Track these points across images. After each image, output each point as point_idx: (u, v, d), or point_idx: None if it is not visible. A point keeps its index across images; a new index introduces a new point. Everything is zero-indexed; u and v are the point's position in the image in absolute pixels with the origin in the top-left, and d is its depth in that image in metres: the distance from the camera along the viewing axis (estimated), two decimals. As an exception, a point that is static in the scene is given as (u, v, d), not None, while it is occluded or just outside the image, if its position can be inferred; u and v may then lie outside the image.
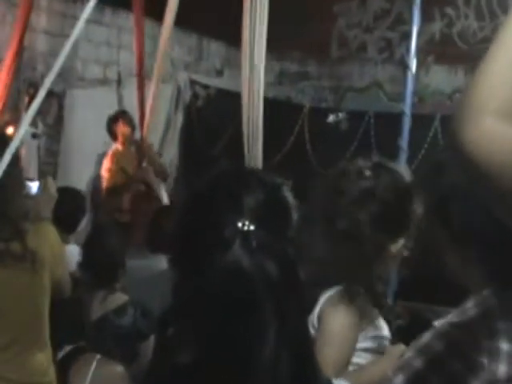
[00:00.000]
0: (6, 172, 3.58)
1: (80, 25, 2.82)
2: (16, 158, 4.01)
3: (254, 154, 6.38)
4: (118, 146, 9.32)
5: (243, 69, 6.57)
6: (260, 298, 1.60)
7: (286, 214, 1.70)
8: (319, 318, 3.00)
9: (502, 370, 2.05)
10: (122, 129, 9.28)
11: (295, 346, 1.66)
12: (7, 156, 2.86)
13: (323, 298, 3.01)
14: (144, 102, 9.15)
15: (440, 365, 2.09)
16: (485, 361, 2.05)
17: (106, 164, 9.33)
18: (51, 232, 4.10)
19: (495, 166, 1.26)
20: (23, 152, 8.49)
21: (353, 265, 2.99)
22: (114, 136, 9.40)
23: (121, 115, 9.40)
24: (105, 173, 9.32)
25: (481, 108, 1.32)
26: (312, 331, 2.95)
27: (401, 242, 3.07)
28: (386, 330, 3.13)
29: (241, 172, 1.85)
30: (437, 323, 2.24)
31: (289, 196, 1.72)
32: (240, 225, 1.62)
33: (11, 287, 3.86)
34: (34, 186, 5.13)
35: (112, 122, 9.39)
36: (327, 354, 2.85)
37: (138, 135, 9.42)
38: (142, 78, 9.20)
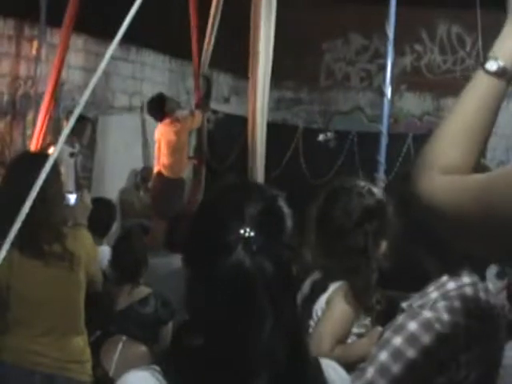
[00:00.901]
0: (49, 185, 3.58)
1: (105, 60, 2.78)
2: (57, 173, 4.02)
3: (257, 168, 6.35)
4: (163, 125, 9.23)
5: (250, 97, 6.54)
6: (259, 293, 1.60)
7: (282, 221, 1.68)
8: (327, 303, 3.05)
9: (462, 339, 2.14)
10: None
11: (288, 333, 1.66)
12: (47, 169, 2.83)
13: (332, 288, 3.06)
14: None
15: (414, 340, 2.13)
16: (448, 332, 2.12)
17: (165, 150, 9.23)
18: (86, 236, 4.11)
19: (440, 206, 1.39)
20: (62, 168, 8.48)
21: (356, 264, 3.03)
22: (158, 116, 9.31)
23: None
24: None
25: (431, 165, 1.44)
26: (319, 313, 3.05)
27: (384, 243, 3.11)
28: (368, 319, 3.17)
29: (243, 185, 1.84)
30: (404, 305, 2.27)
31: (284, 206, 1.71)
32: (242, 231, 1.61)
33: (53, 282, 3.88)
34: (72, 198, 5.11)
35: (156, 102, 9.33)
36: (328, 329, 2.96)
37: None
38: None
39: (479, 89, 1.49)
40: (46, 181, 3.13)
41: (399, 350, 2.15)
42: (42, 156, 4.22)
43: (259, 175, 6.31)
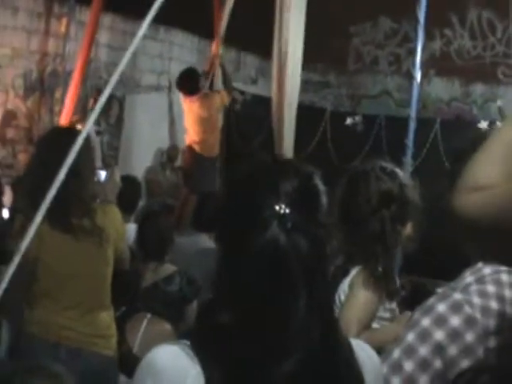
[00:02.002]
0: (81, 160, 3.60)
1: (137, 40, 2.78)
2: (89, 149, 4.04)
3: (284, 151, 6.34)
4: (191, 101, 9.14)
5: (273, 77, 6.52)
6: (293, 270, 1.59)
7: (317, 199, 1.68)
8: (350, 287, 3.06)
9: (492, 324, 2.08)
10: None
11: (322, 311, 1.66)
12: (79, 142, 2.85)
13: (354, 271, 3.05)
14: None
15: (442, 321, 2.10)
16: (478, 316, 2.07)
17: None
18: (116, 213, 4.13)
19: (476, 220, 1.45)
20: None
21: (376, 251, 3.02)
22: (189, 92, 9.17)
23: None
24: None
25: (469, 184, 1.50)
26: (342, 298, 3.05)
27: (409, 225, 3.09)
28: (394, 303, 3.16)
29: (278, 162, 1.83)
30: (440, 290, 2.26)
31: (319, 184, 1.70)
32: (277, 208, 1.60)
33: (81, 257, 3.89)
34: (102, 174, 5.13)
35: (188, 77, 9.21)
36: (353, 316, 2.95)
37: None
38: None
39: None
40: (78, 156, 3.15)
41: (427, 331, 2.14)
42: (71, 131, 4.24)
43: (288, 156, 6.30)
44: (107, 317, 4.04)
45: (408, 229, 3.10)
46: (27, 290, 3.89)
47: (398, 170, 3.18)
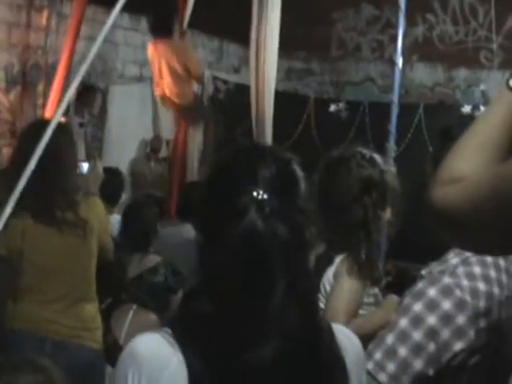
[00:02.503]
0: (64, 153, 3.59)
1: (106, 28, 2.77)
2: (71, 141, 4.02)
3: (264, 138, 6.33)
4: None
5: (251, 65, 6.49)
6: (271, 256, 1.59)
7: (295, 184, 1.68)
8: (334, 276, 3.05)
9: (481, 305, 2.12)
10: None
11: (301, 298, 1.65)
12: (48, 134, 2.82)
13: (338, 260, 3.05)
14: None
15: (434, 306, 2.14)
16: (468, 299, 2.11)
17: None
18: (99, 205, 4.13)
19: (451, 213, 1.43)
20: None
21: (357, 236, 3.01)
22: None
23: None
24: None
25: (444, 178, 1.48)
26: (328, 287, 3.04)
27: (388, 210, 3.10)
28: (376, 288, 3.17)
29: (256, 148, 1.83)
30: (424, 272, 2.27)
31: (298, 169, 1.70)
32: (255, 194, 1.60)
33: (65, 249, 3.89)
34: (84, 166, 5.11)
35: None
36: (340, 306, 2.94)
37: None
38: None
39: (500, 105, 1.49)
40: (60, 148, 3.13)
41: (419, 316, 2.15)
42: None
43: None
44: (92, 309, 4.04)
45: (388, 214, 3.11)
46: (11, 284, 3.87)
47: (376, 156, 3.17)
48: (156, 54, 8.68)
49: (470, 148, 1.47)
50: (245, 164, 1.67)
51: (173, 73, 8.64)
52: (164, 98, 8.91)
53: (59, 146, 3.77)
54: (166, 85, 8.69)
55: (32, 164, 2.71)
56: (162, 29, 8.61)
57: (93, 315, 4.04)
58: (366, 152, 3.12)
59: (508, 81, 1.48)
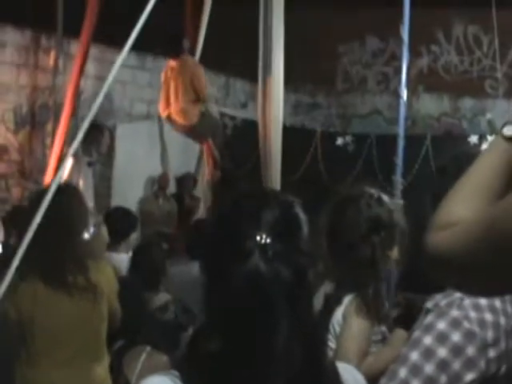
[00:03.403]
0: (74, 216, 3.60)
1: (116, 68, 2.80)
2: (82, 205, 4.02)
3: (272, 174, 6.34)
4: None
5: (259, 101, 6.54)
6: (275, 298, 1.61)
7: (298, 227, 1.70)
8: (344, 317, 3.06)
9: (489, 335, 2.12)
10: None
11: (305, 338, 1.67)
12: (48, 197, 2.82)
13: (346, 300, 3.06)
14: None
15: (444, 338, 2.14)
16: (476, 330, 2.12)
17: None
18: (109, 269, 4.11)
19: (446, 257, 1.45)
20: (81, 180, 8.54)
21: (365, 276, 3.03)
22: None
23: None
24: None
25: (438, 223, 1.50)
26: (337, 328, 3.05)
27: (396, 248, 3.11)
28: (383, 326, 3.18)
29: (259, 192, 1.87)
30: (429, 305, 2.29)
31: (300, 212, 1.72)
32: (258, 238, 1.62)
33: (77, 314, 3.85)
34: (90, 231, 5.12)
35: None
36: (351, 346, 2.96)
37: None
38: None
39: (494, 153, 1.52)
40: (70, 212, 3.13)
41: (430, 349, 2.17)
42: (59, 188, 4.21)
43: (275, 181, 6.31)
44: (102, 371, 3.97)
45: (395, 252, 3.13)
46: (22, 350, 3.85)
47: (384, 196, 3.20)
48: (168, 76, 8.80)
49: (465, 192, 1.50)
50: (248, 208, 1.70)
51: (182, 91, 8.75)
52: (170, 119, 9.00)
53: (70, 210, 3.79)
54: (173, 105, 8.79)
55: (33, 226, 2.71)
56: (174, 48, 8.81)
57: (103, 377, 4.01)
58: (374, 191, 3.15)
59: (502, 128, 1.51)
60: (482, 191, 1.48)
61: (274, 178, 6.34)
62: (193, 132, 9.16)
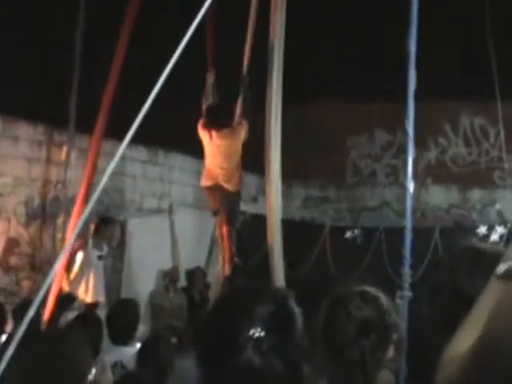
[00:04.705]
0: (78, 360, 3.61)
1: (115, 159, 2.85)
2: (86, 349, 4.01)
3: (275, 268, 6.39)
4: None
5: (267, 196, 6.64)
6: None
7: (292, 322, 1.73)
8: None
9: None
10: None
11: None
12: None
13: None
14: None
15: None
16: None
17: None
18: None
19: None
20: (91, 275, 8.58)
21: (356, 377, 3.02)
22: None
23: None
24: None
25: (443, 361, 1.49)
26: None
27: (391, 348, 3.09)
28: None
29: (255, 287, 1.89)
30: None
31: (295, 307, 1.75)
32: (252, 332, 1.65)
33: None
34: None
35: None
36: None
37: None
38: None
39: (489, 292, 1.53)
40: (74, 356, 3.16)
41: None
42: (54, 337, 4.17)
43: (278, 275, 6.35)
44: None
45: (390, 352, 3.10)
46: None
47: (380, 295, 3.18)
48: (211, 141, 8.76)
49: (465, 330, 1.53)
50: (244, 302, 1.74)
51: (228, 159, 8.74)
52: (215, 187, 8.88)
53: (74, 354, 3.79)
54: (220, 172, 8.75)
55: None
56: (217, 120, 8.73)
57: None
58: (370, 291, 3.14)
59: (497, 268, 1.53)
60: (477, 328, 1.52)
61: (277, 272, 6.38)
62: (228, 203, 9.05)
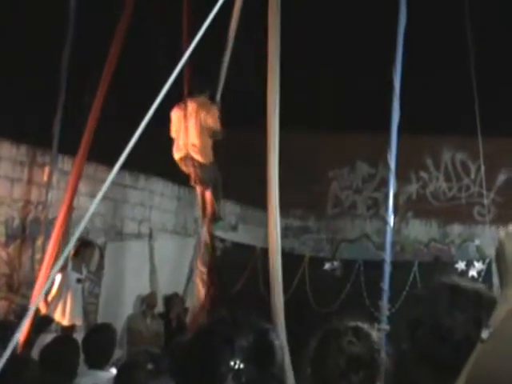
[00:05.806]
0: None
1: (106, 184, 2.85)
2: None
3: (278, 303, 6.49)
4: None
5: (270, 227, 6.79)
6: None
7: (271, 353, 1.74)
8: None
9: None
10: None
11: None
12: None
13: None
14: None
15: None
16: None
17: None
18: None
19: None
20: (69, 298, 8.54)
21: None
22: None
23: None
24: None
25: None
26: None
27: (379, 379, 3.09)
28: None
29: (235, 318, 1.90)
30: None
31: (275, 338, 1.76)
32: (232, 363, 1.66)
33: None
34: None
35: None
36: None
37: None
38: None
39: (475, 354, 1.56)
40: None
41: None
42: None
43: (278, 304, 6.44)
44: None
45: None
46: None
47: (371, 332, 3.18)
48: (184, 113, 9.09)
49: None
50: (224, 335, 1.75)
51: (199, 128, 9.08)
52: (186, 158, 9.08)
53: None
54: (190, 143, 8.95)
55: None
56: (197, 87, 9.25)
57: None
58: (363, 327, 3.14)
59: (481, 333, 1.56)
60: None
61: (278, 303, 6.47)
62: (202, 174, 9.22)
